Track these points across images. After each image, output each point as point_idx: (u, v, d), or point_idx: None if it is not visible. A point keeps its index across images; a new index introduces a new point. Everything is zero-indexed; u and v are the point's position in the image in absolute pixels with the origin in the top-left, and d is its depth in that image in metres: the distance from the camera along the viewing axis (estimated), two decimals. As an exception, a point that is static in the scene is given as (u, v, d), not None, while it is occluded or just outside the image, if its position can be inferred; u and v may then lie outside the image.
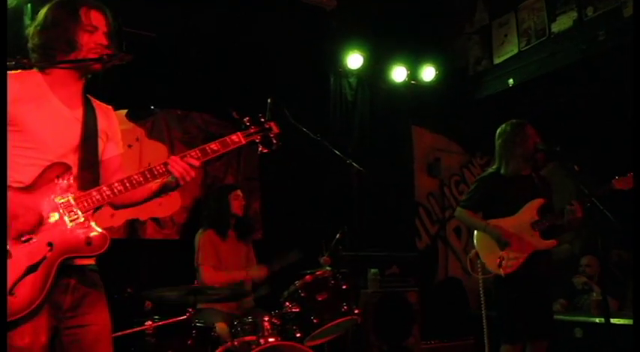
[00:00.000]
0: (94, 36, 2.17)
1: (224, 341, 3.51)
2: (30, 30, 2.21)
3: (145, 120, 4.94)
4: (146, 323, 3.30)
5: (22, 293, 1.88)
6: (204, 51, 5.19)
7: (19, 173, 1.98)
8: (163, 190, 2.33)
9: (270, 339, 3.29)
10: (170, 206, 4.89)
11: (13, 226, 1.92)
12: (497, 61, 6.44)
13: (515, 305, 3.66)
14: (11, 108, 1.99)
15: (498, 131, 3.96)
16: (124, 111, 4.82)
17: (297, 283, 3.59)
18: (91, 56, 2.14)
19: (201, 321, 3.67)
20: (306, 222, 5.37)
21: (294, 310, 3.48)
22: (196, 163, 2.21)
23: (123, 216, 4.62)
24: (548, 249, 3.73)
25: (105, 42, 2.19)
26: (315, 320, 3.42)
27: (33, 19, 4.36)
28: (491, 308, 4.07)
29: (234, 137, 2.32)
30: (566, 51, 5.60)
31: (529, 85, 6.09)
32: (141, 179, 2.12)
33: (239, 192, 4.51)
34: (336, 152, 4.06)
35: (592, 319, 4.48)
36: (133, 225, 4.73)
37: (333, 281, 3.58)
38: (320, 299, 3.50)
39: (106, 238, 2.03)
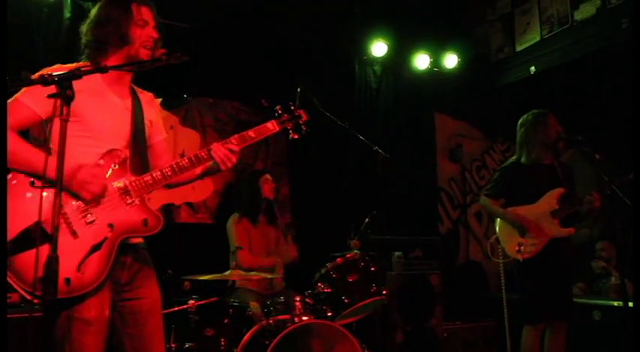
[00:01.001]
0: (146, 30, 2.34)
1: (258, 319, 3.69)
2: (84, 27, 2.37)
3: (179, 108, 5.11)
4: (189, 302, 3.50)
5: (89, 270, 2.07)
6: (235, 41, 5.33)
7: (78, 160, 2.13)
8: (206, 174, 2.54)
9: (304, 318, 3.45)
10: (203, 191, 5.08)
11: (78, 188, 2.09)
12: (519, 48, 6.46)
13: (535, 289, 3.81)
14: (75, 101, 2.07)
15: (520, 121, 4.07)
16: (158, 100, 4.97)
17: (328, 265, 3.77)
18: (143, 50, 2.32)
19: (236, 300, 3.88)
20: (333, 207, 5.53)
21: (326, 290, 3.67)
22: (236, 149, 2.42)
23: (159, 201, 4.80)
24: (566, 236, 3.88)
25: (156, 35, 2.36)
26: (346, 300, 3.62)
27: (72, 12, 4.58)
28: (512, 291, 4.23)
29: (269, 125, 2.54)
30: (588, 39, 5.61)
31: (551, 73, 6.11)
32: (187, 164, 2.33)
33: (269, 176, 4.65)
34: (363, 139, 4.20)
35: (610, 302, 4.59)
36: (168, 209, 4.93)
37: (362, 264, 3.77)
38: (350, 280, 3.68)
39: (160, 219, 2.23)
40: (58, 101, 1.72)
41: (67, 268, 1.98)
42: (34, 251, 1.85)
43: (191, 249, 4.79)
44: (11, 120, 2.09)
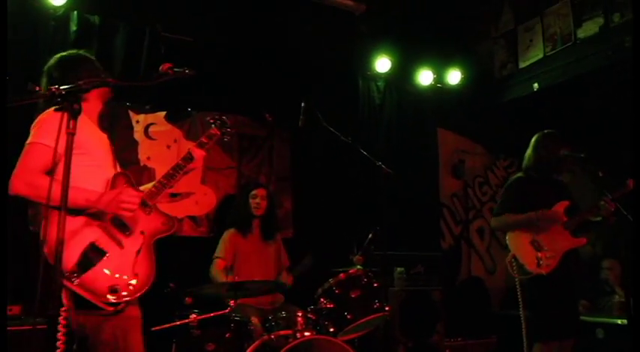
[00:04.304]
0: None
1: (259, 334, 3.66)
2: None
3: (183, 122, 5.12)
4: (191, 316, 3.48)
5: (142, 272, 2.46)
6: (238, 55, 5.37)
7: (95, 186, 2.46)
8: None
9: (306, 333, 3.43)
10: (206, 205, 5.08)
11: (115, 209, 2.43)
12: (522, 65, 6.51)
13: (549, 306, 3.80)
14: (77, 136, 2.19)
15: (532, 140, 4.14)
16: (162, 113, 5.03)
17: (331, 280, 3.76)
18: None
19: (238, 315, 3.86)
20: (336, 222, 5.54)
21: (328, 306, 3.66)
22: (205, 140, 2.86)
23: (161, 215, 4.80)
24: (579, 246, 3.92)
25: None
26: (348, 316, 3.60)
27: (78, 25, 4.61)
28: (513, 307, 4.20)
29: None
30: (591, 57, 5.65)
31: (554, 90, 6.14)
32: (175, 171, 2.70)
33: (257, 191, 4.59)
34: (366, 154, 4.20)
35: (614, 320, 4.56)
36: (170, 222, 4.93)
37: (365, 280, 3.76)
38: (353, 296, 3.68)
39: (172, 219, 2.67)
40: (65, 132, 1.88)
41: (127, 273, 2.41)
42: (96, 267, 2.31)
43: (193, 263, 4.77)
44: (38, 164, 2.34)
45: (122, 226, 2.50)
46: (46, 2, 4.52)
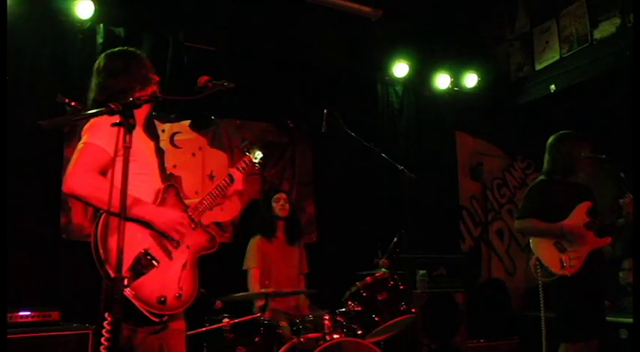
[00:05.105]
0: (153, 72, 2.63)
1: (288, 338, 3.72)
2: (99, 80, 2.53)
3: (207, 130, 5.22)
4: (224, 320, 3.57)
5: (186, 285, 2.43)
6: (260, 64, 5.46)
7: (141, 195, 2.40)
8: None
9: (335, 336, 3.50)
10: (231, 211, 5.17)
11: (168, 229, 2.41)
12: (538, 67, 6.53)
13: (575, 306, 3.81)
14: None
15: (549, 141, 4.15)
16: (187, 122, 5.14)
17: (358, 284, 3.84)
18: (157, 88, 2.59)
19: (267, 319, 3.94)
20: (359, 226, 5.61)
21: (356, 309, 3.73)
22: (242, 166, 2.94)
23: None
24: (603, 246, 3.94)
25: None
26: (376, 318, 3.68)
27: (104, 38, 4.74)
28: (534, 309, 4.23)
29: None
30: (608, 57, 5.67)
31: (571, 91, 6.16)
32: (219, 192, 2.78)
33: (280, 195, 4.77)
34: (388, 158, 4.28)
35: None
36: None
37: (392, 282, 3.83)
38: (380, 298, 3.76)
39: (215, 238, 2.66)
40: (121, 134, 1.86)
41: (175, 286, 2.37)
42: (148, 275, 2.28)
43: (220, 268, 4.85)
44: (95, 164, 2.30)
45: (171, 238, 2.47)
46: (73, 16, 4.64)
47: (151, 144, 2.62)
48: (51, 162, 4.44)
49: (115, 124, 1.85)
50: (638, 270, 3.76)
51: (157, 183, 2.54)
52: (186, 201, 2.65)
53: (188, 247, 2.51)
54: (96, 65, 2.56)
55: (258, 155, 3.06)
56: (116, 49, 2.64)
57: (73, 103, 4.40)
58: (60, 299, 4.13)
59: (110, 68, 2.51)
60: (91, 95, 2.50)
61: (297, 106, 5.49)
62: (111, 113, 1.81)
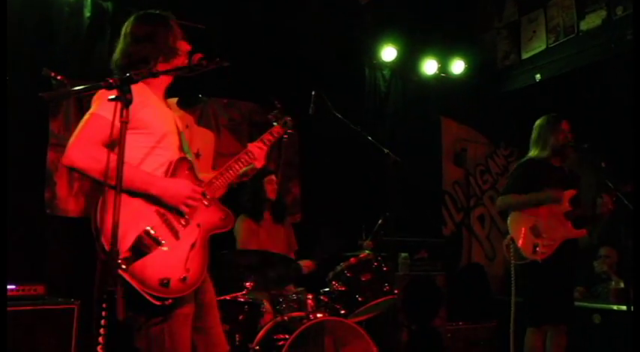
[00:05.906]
0: (184, 42, 2.51)
1: (271, 316, 3.75)
2: (121, 46, 2.43)
3: (194, 108, 5.20)
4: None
5: (194, 268, 2.24)
6: (249, 43, 5.42)
7: (156, 170, 2.27)
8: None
9: (319, 315, 3.55)
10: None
11: (177, 203, 2.23)
12: (525, 56, 6.60)
13: (540, 291, 3.90)
14: (140, 114, 2.20)
15: (536, 123, 4.20)
16: (175, 99, 5.10)
17: (342, 264, 3.88)
18: (186, 60, 2.45)
19: (251, 297, 3.97)
20: (343, 207, 5.66)
21: (340, 288, 3.79)
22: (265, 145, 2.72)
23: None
24: (578, 237, 4.00)
25: (190, 46, 2.52)
26: (359, 299, 3.72)
27: (92, 11, 4.65)
28: (512, 293, 4.31)
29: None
30: (593, 49, 5.75)
31: (556, 81, 6.25)
32: (238, 166, 2.58)
33: (273, 176, 4.71)
34: (374, 142, 4.30)
35: (610, 306, 4.70)
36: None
37: (375, 264, 3.88)
38: (364, 279, 3.80)
39: (231, 215, 2.46)
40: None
41: (180, 267, 2.19)
42: (149, 256, 2.11)
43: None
44: (99, 136, 2.13)
45: (180, 214, 2.27)
46: (60, -12, 4.57)
47: (170, 114, 2.46)
48: (35, 135, 4.40)
49: (111, 99, 1.81)
50: (637, 262, 3.81)
51: (174, 157, 2.35)
52: (200, 175, 2.45)
53: (198, 225, 2.31)
54: (124, 27, 2.43)
55: (289, 122, 2.85)
56: (146, 12, 2.49)
57: (59, 77, 4.36)
58: (44, 273, 4.13)
59: (135, 34, 2.39)
60: (115, 58, 2.40)
61: (284, 87, 5.47)
62: (109, 87, 1.78)
